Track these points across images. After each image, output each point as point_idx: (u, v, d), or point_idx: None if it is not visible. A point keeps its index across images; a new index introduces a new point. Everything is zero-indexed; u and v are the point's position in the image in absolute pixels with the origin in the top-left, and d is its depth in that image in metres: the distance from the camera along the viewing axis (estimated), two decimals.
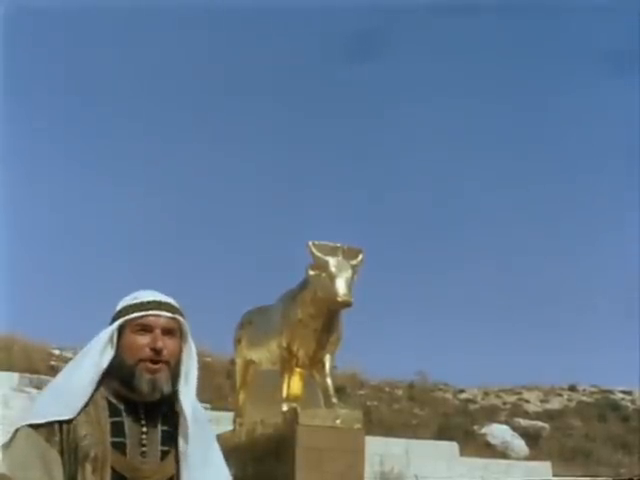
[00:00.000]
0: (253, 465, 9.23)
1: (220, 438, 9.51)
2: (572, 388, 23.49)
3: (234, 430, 10.10)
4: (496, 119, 37.91)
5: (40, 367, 15.99)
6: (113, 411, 2.83)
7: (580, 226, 35.69)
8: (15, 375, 15.03)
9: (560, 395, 23.19)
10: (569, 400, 22.93)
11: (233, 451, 9.09)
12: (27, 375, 14.82)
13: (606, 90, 36.47)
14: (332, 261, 8.79)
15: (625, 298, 29.62)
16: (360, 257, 9.00)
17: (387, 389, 21.76)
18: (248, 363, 10.19)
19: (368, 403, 19.21)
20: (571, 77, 37.26)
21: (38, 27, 31.52)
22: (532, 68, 37.31)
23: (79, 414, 2.77)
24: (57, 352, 17.67)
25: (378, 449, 13.52)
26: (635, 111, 35.16)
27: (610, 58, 30.54)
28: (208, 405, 14.19)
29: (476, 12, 30.67)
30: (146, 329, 2.87)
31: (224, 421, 11.23)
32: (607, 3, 28.98)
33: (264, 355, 9.73)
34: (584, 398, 23.07)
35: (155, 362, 2.84)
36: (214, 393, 16.22)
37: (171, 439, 2.87)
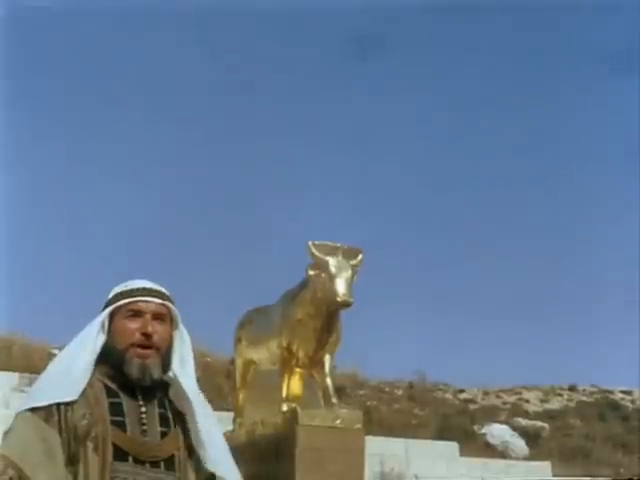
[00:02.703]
0: (253, 465, 9.22)
1: None
2: (572, 388, 23.49)
3: (234, 430, 10.10)
4: (495, 118, 37.91)
5: (40, 367, 15.91)
6: (110, 393, 2.87)
7: (580, 225, 35.70)
8: (15, 375, 15.03)
9: (560, 395, 23.19)
10: (569, 400, 22.93)
11: (233, 451, 9.08)
12: (27, 375, 14.81)
13: (606, 90, 36.48)
14: (332, 261, 8.79)
15: (625, 298, 29.64)
16: (360, 257, 8.99)
17: (387, 389, 21.76)
18: (248, 363, 10.19)
19: (368, 403, 19.20)
20: (570, 77, 37.27)
21: (38, 27, 31.52)
22: (531, 68, 37.32)
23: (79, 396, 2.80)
24: (57, 352, 17.64)
25: (378, 449, 13.51)
26: (635, 111, 35.17)
27: (610, 58, 30.53)
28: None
29: (476, 12, 30.67)
30: (136, 314, 2.93)
31: (224, 421, 11.19)
32: (607, 3, 28.97)
33: (264, 355, 9.73)
34: (584, 398, 23.07)
35: (145, 347, 2.89)
36: (214, 393, 16.19)
37: (168, 422, 2.91)
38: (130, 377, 2.87)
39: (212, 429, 2.97)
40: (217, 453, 2.92)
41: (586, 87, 37.37)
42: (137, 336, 2.90)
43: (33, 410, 2.80)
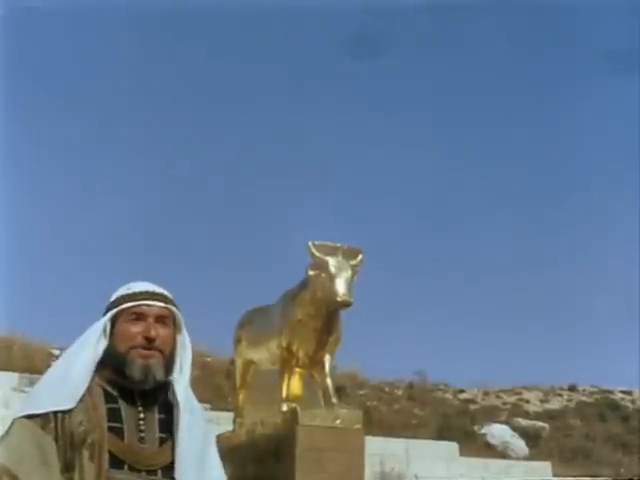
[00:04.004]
0: (253, 465, 9.23)
1: (220, 438, 9.48)
2: (572, 388, 23.48)
3: (234, 430, 10.10)
4: (495, 119, 37.91)
5: (40, 367, 15.95)
6: (109, 398, 2.83)
7: (580, 226, 35.70)
8: (15, 375, 15.03)
9: (560, 395, 23.19)
10: (569, 400, 22.93)
11: (233, 451, 9.08)
12: (27, 375, 14.81)
13: (606, 90, 36.49)
14: (332, 261, 8.79)
15: (625, 298, 29.62)
16: (360, 257, 9.00)
17: (387, 389, 21.76)
18: (248, 363, 10.19)
19: (368, 403, 19.19)
20: (570, 76, 37.26)
21: (38, 27, 31.53)
22: (532, 68, 37.32)
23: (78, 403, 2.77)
24: (57, 352, 17.65)
25: (378, 449, 13.52)
26: (635, 111, 35.16)
27: (610, 58, 30.53)
28: (208, 405, 14.17)
29: (476, 12, 30.69)
30: (139, 318, 2.89)
31: (224, 421, 11.22)
32: (607, 2, 28.98)
33: (264, 355, 9.73)
34: (584, 398, 23.07)
35: (148, 349, 2.85)
36: (214, 393, 16.20)
37: (168, 427, 2.86)
38: (132, 379, 2.82)
39: (193, 434, 2.89)
40: (187, 464, 2.83)
41: (586, 87, 37.39)
42: (139, 340, 2.85)
43: (30, 416, 2.77)
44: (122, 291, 2.97)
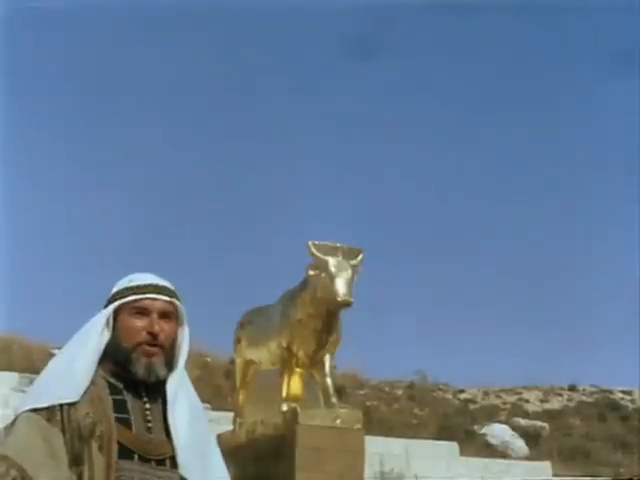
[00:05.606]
0: (253, 465, 9.23)
1: (220, 438, 9.46)
2: (572, 388, 23.48)
3: (234, 430, 10.10)
4: (496, 118, 37.92)
5: (40, 367, 15.90)
6: (113, 390, 2.82)
7: (580, 226, 35.72)
8: (15, 375, 15.05)
9: (560, 395, 23.19)
10: (569, 400, 22.93)
11: (233, 451, 9.08)
12: (27, 375, 14.82)
13: (607, 90, 36.51)
14: (332, 261, 8.80)
15: (625, 298, 29.65)
16: (360, 257, 9.01)
17: (387, 389, 21.77)
18: (248, 363, 10.20)
19: (368, 403, 19.20)
20: (572, 77, 37.28)
21: (38, 27, 31.53)
22: (532, 68, 37.33)
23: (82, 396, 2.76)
24: (56, 352, 17.64)
25: (378, 449, 13.52)
26: (636, 112, 35.18)
27: (611, 58, 30.55)
28: (208, 405, 14.18)
29: (476, 12, 30.71)
30: (143, 312, 2.86)
31: (224, 421, 11.23)
32: (608, 3, 28.98)
33: (264, 355, 9.73)
34: (584, 398, 23.07)
35: (152, 345, 2.84)
36: (214, 393, 16.21)
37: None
38: (136, 376, 2.83)
39: (194, 432, 2.87)
40: (191, 459, 2.81)
41: (587, 87, 37.39)
42: (143, 335, 2.83)
43: (35, 410, 2.76)
44: (125, 283, 2.93)
